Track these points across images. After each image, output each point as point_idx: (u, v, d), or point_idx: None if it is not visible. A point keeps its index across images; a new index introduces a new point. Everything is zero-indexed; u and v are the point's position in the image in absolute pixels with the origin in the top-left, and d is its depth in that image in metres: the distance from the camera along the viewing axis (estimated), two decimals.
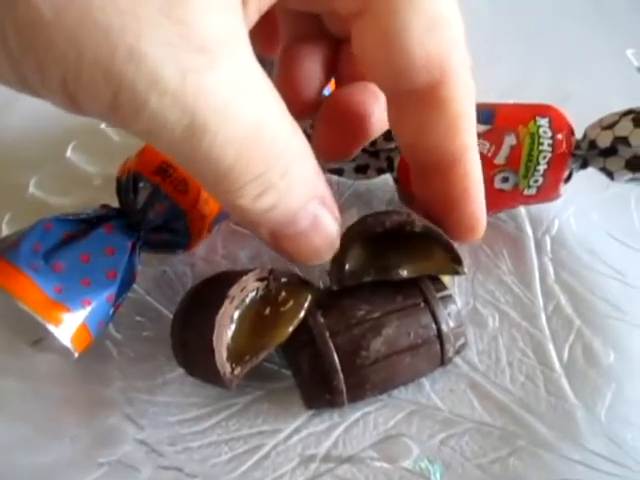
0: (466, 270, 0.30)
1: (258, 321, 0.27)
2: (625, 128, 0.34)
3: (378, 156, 0.38)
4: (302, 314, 0.28)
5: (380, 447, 0.30)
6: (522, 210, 0.41)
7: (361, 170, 0.40)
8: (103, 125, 0.44)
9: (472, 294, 0.37)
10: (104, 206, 0.35)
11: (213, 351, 0.24)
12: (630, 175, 0.35)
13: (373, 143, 0.38)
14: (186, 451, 0.30)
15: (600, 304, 0.36)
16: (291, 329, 0.27)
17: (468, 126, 0.24)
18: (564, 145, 0.35)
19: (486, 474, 0.29)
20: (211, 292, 0.27)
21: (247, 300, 0.27)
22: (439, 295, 0.31)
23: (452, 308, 0.31)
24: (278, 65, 0.28)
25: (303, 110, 0.28)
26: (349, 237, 0.29)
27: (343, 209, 0.43)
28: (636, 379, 0.32)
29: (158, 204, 0.34)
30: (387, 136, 0.38)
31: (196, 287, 0.30)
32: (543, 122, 0.35)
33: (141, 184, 0.33)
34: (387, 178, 0.41)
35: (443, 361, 0.31)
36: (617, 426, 0.30)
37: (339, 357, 0.29)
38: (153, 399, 0.31)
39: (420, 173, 0.27)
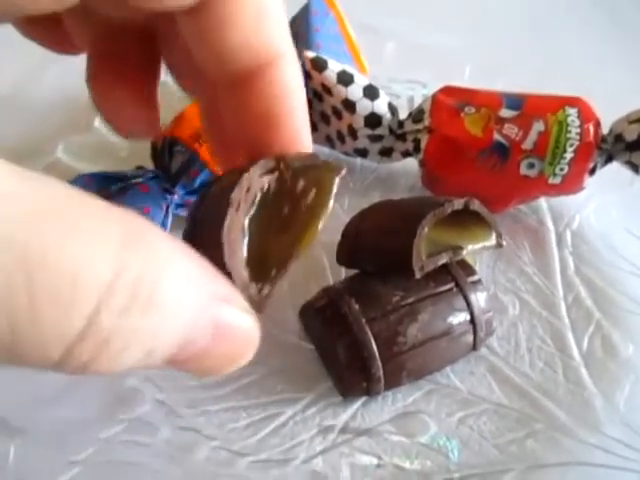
0: (504, 243, 0.31)
1: (277, 223, 0.20)
2: None
3: (405, 138, 0.39)
4: (331, 203, 0.21)
5: (398, 422, 0.30)
6: (544, 204, 0.41)
7: (386, 153, 0.40)
8: None
9: (493, 281, 0.37)
10: (140, 167, 0.35)
11: (229, 274, 0.17)
12: None
13: (401, 125, 0.39)
14: (204, 414, 0.30)
15: (620, 298, 0.36)
16: (321, 225, 0.21)
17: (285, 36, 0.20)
18: (591, 135, 0.35)
19: (503, 454, 0.29)
20: (212, 201, 0.21)
21: (256, 201, 0.20)
22: (470, 280, 0.31)
23: (482, 294, 0.31)
24: (95, 100, 0.23)
25: (145, 130, 0.24)
26: (424, 222, 0.29)
27: (365, 193, 0.44)
28: None
29: (192, 169, 0.35)
30: (415, 117, 0.38)
31: (197, 200, 0.23)
32: (572, 112, 0.36)
33: (177, 148, 0.34)
34: (409, 165, 0.41)
35: (475, 346, 0.31)
36: (635, 415, 0.30)
37: (377, 344, 0.29)
38: None
39: (231, 90, 0.21)
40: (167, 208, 0.34)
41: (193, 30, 0.19)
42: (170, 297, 0.13)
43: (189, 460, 0.28)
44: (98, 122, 0.43)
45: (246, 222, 0.19)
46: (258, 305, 0.18)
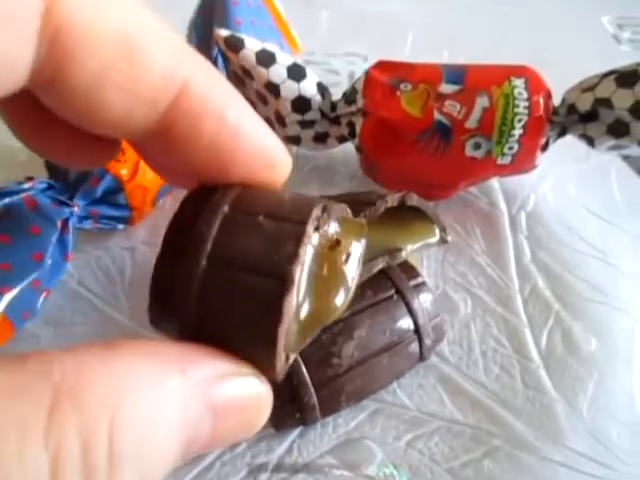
0: (449, 238, 0.27)
1: (312, 284, 0.16)
2: (607, 89, 0.31)
3: (339, 122, 0.35)
4: (359, 266, 0.18)
5: (340, 452, 0.27)
6: (495, 184, 0.38)
7: (320, 139, 0.36)
8: None
9: (442, 277, 0.33)
10: (29, 178, 0.31)
11: (275, 340, 0.14)
12: (612, 142, 0.32)
13: (333, 108, 0.34)
14: None
15: (580, 285, 0.33)
16: (345, 292, 0.17)
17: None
18: (541, 107, 0.32)
19: (457, 479, 0.26)
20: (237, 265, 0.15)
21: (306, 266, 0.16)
22: (412, 284, 0.28)
23: (427, 297, 0.28)
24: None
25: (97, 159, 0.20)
26: None
27: (303, 185, 0.40)
28: (620, 368, 0.30)
29: (92, 176, 0.30)
30: (348, 98, 0.34)
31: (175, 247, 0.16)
32: (518, 83, 0.32)
33: None
34: (349, 150, 0.37)
35: (422, 357, 0.28)
36: (601, 422, 0.28)
37: (308, 369, 0.25)
38: None
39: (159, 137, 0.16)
40: (65, 223, 0.30)
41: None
42: (142, 432, 0.11)
43: None
44: None
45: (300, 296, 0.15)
46: (280, 373, 0.15)
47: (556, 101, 0.33)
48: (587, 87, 0.32)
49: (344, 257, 0.17)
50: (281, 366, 0.15)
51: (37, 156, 0.36)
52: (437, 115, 0.32)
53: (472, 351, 0.30)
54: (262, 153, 0.16)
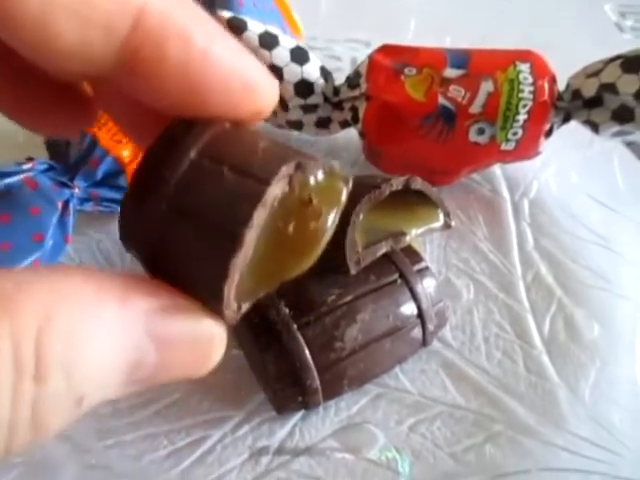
0: (453, 223, 0.27)
1: (273, 236, 0.16)
2: (612, 74, 0.31)
3: (342, 107, 0.34)
4: (333, 224, 0.17)
5: (341, 436, 0.27)
6: (498, 171, 0.38)
7: (323, 124, 0.36)
8: None
9: (445, 263, 0.33)
10: (30, 159, 0.30)
11: (221, 294, 0.14)
12: (617, 127, 0.32)
13: (336, 92, 0.34)
14: (117, 446, 0.26)
15: (582, 272, 0.33)
16: (321, 249, 0.17)
17: None
18: (546, 92, 0.31)
19: (460, 464, 0.26)
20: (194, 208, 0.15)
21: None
22: (416, 268, 0.28)
23: (431, 282, 0.28)
24: None
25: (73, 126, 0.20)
26: (358, 208, 0.24)
27: None
28: (622, 354, 0.30)
29: (92, 158, 0.30)
30: (352, 82, 0.33)
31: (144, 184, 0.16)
32: (524, 67, 0.31)
33: None
34: (351, 136, 0.37)
35: (425, 341, 0.27)
36: (603, 407, 0.27)
37: (311, 352, 0.25)
38: None
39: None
40: (65, 205, 0.29)
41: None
42: (70, 343, 0.12)
43: None
44: None
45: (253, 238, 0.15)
46: (231, 319, 0.15)
47: (559, 88, 0.33)
48: (592, 72, 0.32)
49: (315, 216, 0.16)
50: (231, 314, 0.15)
51: (37, 137, 0.35)
52: (441, 100, 0.32)
53: (474, 337, 0.30)
54: (238, 75, 0.15)
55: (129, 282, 0.14)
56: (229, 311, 0.15)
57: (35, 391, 0.12)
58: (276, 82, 0.16)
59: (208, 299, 0.15)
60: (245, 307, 0.16)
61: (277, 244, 0.15)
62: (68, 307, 0.12)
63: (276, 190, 0.14)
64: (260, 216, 0.14)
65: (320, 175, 0.16)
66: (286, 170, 0.14)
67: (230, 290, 0.14)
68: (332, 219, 0.16)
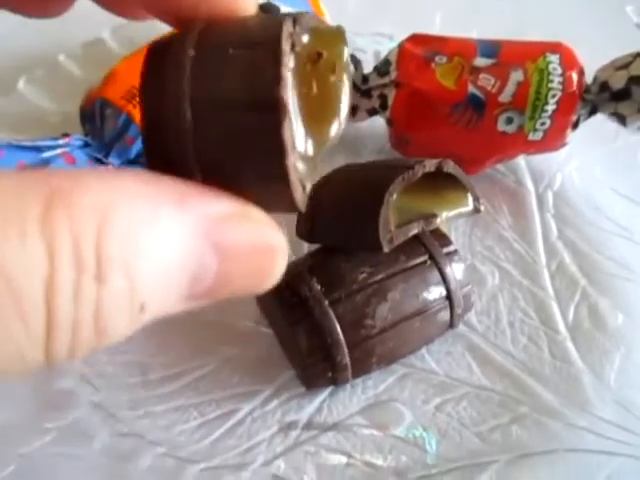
0: (482, 208, 0.28)
1: (307, 107, 0.15)
2: None
3: (370, 95, 0.35)
4: (348, 77, 0.16)
5: (369, 413, 0.27)
6: (522, 163, 0.38)
7: (350, 112, 0.36)
8: (62, 57, 0.39)
9: (470, 250, 0.34)
10: (66, 135, 0.31)
11: (286, 173, 0.13)
12: None
13: (365, 80, 0.35)
14: (149, 416, 0.26)
15: (606, 263, 0.33)
16: (345, 101, 0.16)
17: None
18: (575, 84, 0.32)
19: (486, 443, 0.26)
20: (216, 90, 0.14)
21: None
22: (445, 251, 0.28)
23: (459, 265, 0.28)
24: None
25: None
26: (392, 188, 0.25)
27: (328, 158, 0.40)
28: None
29: (127, 136, 0.30)
30: (381, 70, 0.34)
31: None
32: (554, 58, 0.32)
33: (109, 111, 0.29)
34: (376, 124, 0.37)
35: (452, 323, 0.28)
36: (627, 391, 0.28)
37: (342, 328, 0.25)
38: (113, 358, 0.28)
39: None
40: None
41: None
42: (130, 243, 0.11)
43: (129, 472, 0.24)
44: (22, 84, 0.37)
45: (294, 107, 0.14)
46: (302, 203, 0.14)
47: (587, 79, 0.33)
48: (621, 65, 0.33)
49: (331, 68, 0.15)
50: (300, 197, 0.14)
51: (71, 116, 0.36)
52: (471, 88, 0.32)
53: (500, 322, 0.30)
54: None
55: (188, 187, 0.13)
56: (297, 192, 0.14)
57: (97, 291, 0.11)
58: None
59: (273, 192, 0.13)
60: (309, 186, 0.15)
61: (310, 110, 0.15)
62: (126, 207, 0.12)
63: (287, 48, 0.13)
64: (287, 76, 0.13)
65: (315, 28, 0.15)
66: (287, 28, 0.13)
67: (292, 165, 0.13)
68: (345, 62, 0.16)
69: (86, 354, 0.12)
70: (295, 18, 0.14)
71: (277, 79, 0.12)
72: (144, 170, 0.13)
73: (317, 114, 0.15)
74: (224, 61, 0.13)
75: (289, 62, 0.13)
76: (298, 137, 0.14)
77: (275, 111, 0.12)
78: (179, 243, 0.12)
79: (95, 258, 0.11)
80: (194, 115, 0.13)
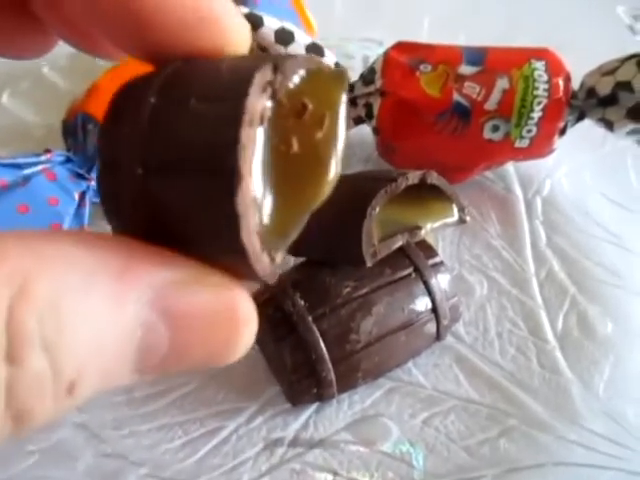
0: (468, 218, 0.27)
1: (284, 166, 0.13)
2: (628, 72, 0.31)
3: (355, 103, 0.34)
4: (343, 129, 0.14)
5: (355, 429, 0.27)
6: (511, 169, 0.38)
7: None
8: (46, 69, 0.39)
9: (457, 259, 0.33)
10: (47, 151, 0.31)
11: (241, 243, 0.11)
12: (632, 125, 0.32)
13: (351, 89, 0.34)
14: (133, 436, 0.26)
15: (596, 270, 0.33)
16: (339, 159, 0.14)
17: None
18: (561, 90, 0.31)
19: (474, 457, 0.26)
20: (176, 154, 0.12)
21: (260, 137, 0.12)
22: (430, 263, 0.28)
23: (445, 277, 0.28)
24: None
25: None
26: (375, 201, 0.24)
27: None
28: (636, 350, 0.30)
29: None
30: (366, 79, 0.34)
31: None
32: (539, 65, 0.32)
33: (90, 126, 0.29)
34: (364, 132, 0.37)
35: (439, 336, 0.28)
36: (617, 402, 0.27)
37: (326, 344, 0.25)
38: None
39: None
40: (82, 196, 0.30)
41: None
42: (52, 316, 0.10)
43: None
44: (6, 98, 0.37)
45: (258, 175, 0.12)
46: (268, 276, 0.13)
47: (574, 85, 0.33)
48: (607, 71, 0.32)
49: (319, 122, 0.13)
50: (265, 268, 0.12)
51: (54, 131, 0.36)
52: (456, 96, 0.32)
53: (488, 332, 0.30)
54: (190, 7, 0.13)
55: (134, 250, 0.12)
56: (260, 264, 0.12)
57: (9, 373, 0.10)
58: (243, 21, 0.14)
59: (229, 259, 0.12)
60: (279, 257, 0.13)
61: (289, 171, 0.13)
62: (50, 275, 0.10)
63: (257, 103, 0.11)
64: (250, 136, 0.11)
65: (304, 74, 0.13)
66: (261, 77, 0.12)
67: (251, 236, 0.11)
68: (339, 119, 0.13)
69: (3, 441, 0.11)
70: (276, 64, 0.12)
71: (234, 141, 0.11)
72: (89, 231, 0.12)
73: (298, 175, 0.13)
74: (182, 115, 0.12)
75: (256, 120, 0.12)
76: (266, 204, 0.12)
77: (230, 177, 0.11)
78: (117, 313, 0.11)
79: (6, 335, 0.10)
80: (145, 171, 0.12)
